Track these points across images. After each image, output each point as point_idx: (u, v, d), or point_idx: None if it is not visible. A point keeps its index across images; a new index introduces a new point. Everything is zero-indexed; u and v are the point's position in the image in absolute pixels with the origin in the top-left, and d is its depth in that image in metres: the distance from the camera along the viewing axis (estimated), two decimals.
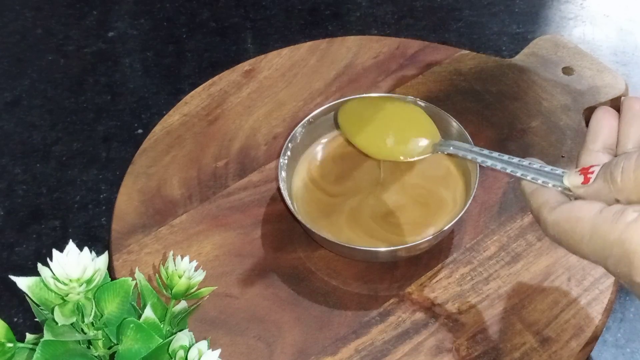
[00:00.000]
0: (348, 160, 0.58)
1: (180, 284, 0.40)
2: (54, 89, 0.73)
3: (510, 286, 0.52)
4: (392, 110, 0.56)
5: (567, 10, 0.78)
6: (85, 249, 0.36)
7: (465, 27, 0.77)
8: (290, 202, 0.53)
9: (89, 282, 0.35)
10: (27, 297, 0.36)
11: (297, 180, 0.57)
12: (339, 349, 0.50)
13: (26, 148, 0.68)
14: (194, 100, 0.65)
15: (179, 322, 0.41)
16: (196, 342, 0.37)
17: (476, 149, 0.49)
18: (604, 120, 0.42)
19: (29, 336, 0.37)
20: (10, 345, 0.36)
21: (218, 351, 0.36)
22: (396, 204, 0.55)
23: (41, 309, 0.36)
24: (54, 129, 0.69)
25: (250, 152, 0.61)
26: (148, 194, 0.59)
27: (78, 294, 0.35)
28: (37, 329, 0.37)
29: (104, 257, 0.37)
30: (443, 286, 0.52)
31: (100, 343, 0.38)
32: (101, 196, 0.64)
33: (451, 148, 0.51)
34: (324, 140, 0.59)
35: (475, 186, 0.52)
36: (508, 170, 0.45)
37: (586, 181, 0.40)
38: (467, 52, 0.68)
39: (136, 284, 0.39)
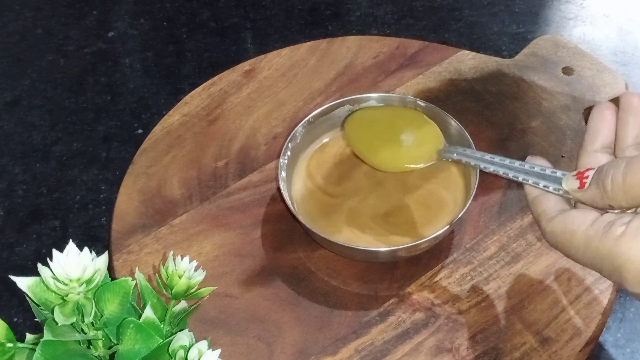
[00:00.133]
0: (348, 160, 0.58)
1: (180, 284, 0.40)
2: (54, 89, 0.73)
3: (510, 286, 0.52)
4: (396, 121, 0.56)
5: (567, 10, 0.78)
6: (85, 249, 0.36)
7: (465, 27, 0.76)
8: (290, 202, 0.53)
9: (89, 282, 0.35)
10: (27, 297, 0.36)
11: (297, 180, 0.57)
12: (339, 349, 0.50)
13: (26, 148, 0.68)
14: (194, 100, 0.65)
15: (179, 322, 0.41)
16: (196, 342, 0.37)
17: (478, 154, 0.50)
18: (601, 122, 0.42)
19: (29, 336, 0.37)
20: (10, 345, 0.36)
21: (218, 351, 0.36)
22: (396, 204, 0.55)
23: (41, 309, 0.36)
24: (54, 129, 0.69)
25: (250, 152, 0.61)
26: (148, 194, 0.59)
27: (78, 294, 0.35)
28: (37, 329, 0.37)
29: (104, 257, 0.37)
30: (443, 286, 0.52)
31: (100, 343, 0.38)
32: (101, 196, 0.64)
33: (455, 155, 0.52)
34: (324, 140, 0.59)
35: (475, 186, 0.52)
36: (510, 176, 0.45)
37: (582, 186, 0.41)
38: (467, 52, 0.68)
39: (136, 284, 0.39)
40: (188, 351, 0.36)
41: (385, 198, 0.56)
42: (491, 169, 0.48)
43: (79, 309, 0.36)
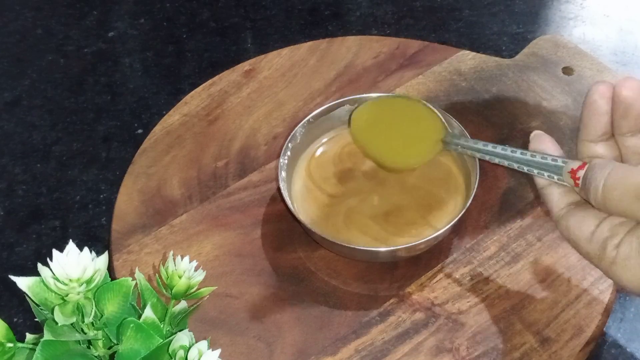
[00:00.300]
0: (348, 160, 0.58)
1: (180, 284, 0.40)
2: (54, 89, 0.73)
3: (510, 286, 0.52)
4: (398, 116, 0.56)
5: (567, 10, 0.78)
6: (85, 249, 0.36)
7: (465, 27, 0.76)
8: (290, 202, 0.53)
9: (89, 282, 0.35)
10: (27, 297, 0.36)
11: (297, 180, 0.57)
12: (339, 349, 0.50)
13: (26, 148, 0.68)
14: (194, 100, 0.65)
15: (179, 322, 0.41)
16: (196, 342, 0.37)
17: (480, 144, 0.49)
18: (593, 114, 0.41)
19: (29, 336, 0.37)
20: (10, 345, 0.36)
21: (218, 351, 0.36)
22: (396, 204, 0.55)
23: (41, 309, 0.36)
24: (54, 129, 0.69)
25: (250, 152, 0.61)
26: (148, 194, 0.59)
27: (78, 294, 0.35)
28: (37, 329, 0.37)
29: (104, 257, 0.37)
30: (443, 286, 0.52)
31: (100, 343, 0.38)
32: (101, 196, 0.64)
33: (459, 148, 0.51)
34: (324, 140, 0.59)
35: (475, 186, 0.52)
36: (515, 167, 0.45)
37: (576, 185, 0.41)
38: (467, 52, 0.68)
39: (136, 284, 0.39)
40: (188, 351, 0.36)
41: (386, 198, 0.56)
42: (496, 160, 0.47)
43: (79, 309, 0.36)
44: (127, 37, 0.78)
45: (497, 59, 0.67)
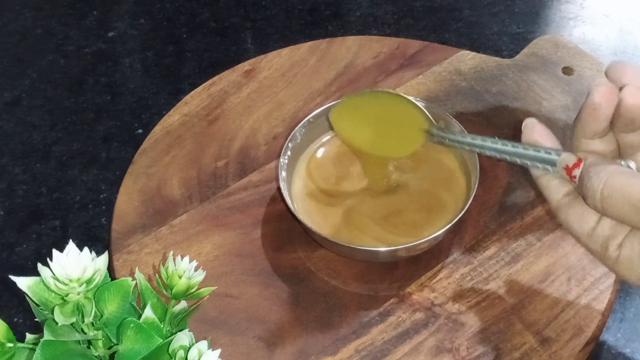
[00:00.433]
0: (348, 160, 0.58)
1: (180, 284, 0.40)
2: (54, 89, 0.73)
3: (510, 286, 0.52)
4: (379, 107, 0.56)
5: (567, 10, 0.78)
6: (85, 249, 0.36)
7: (465, 27, 0.76)
8: (290, 202, 0.53)
9: (89, 282, 0.35)
10: (27, 297, 0.36)
11: (297, 180, 0.57)
12: (339, 349, 0.50)
13: (26, 148, 0.68)
14: (194, 100, 0.65)
15: (179, 322, 0.41)
16: (196, 342, 0.37)
17: (469, 137, 0.48)
18: (593, 117, 0.40)
19: (29, 336, 0.37)
20: (10, 345, 0.36)
21: (218, 351, 0.36)
22: (396, 204, 0.55)
23: (41, 309, 0.36)
24: (54, 129, 0.69)
25: (250, 152, 0.61)
26: (148, 194, 0.59)
27: (78, 294, 0.35)
28: (37, 329, 0.37)
29: (104, 257, 0.37)
30: (443, 286, 0.52)
31: (100, 343, 0.38)
32: (101, 196, 0.64)
33: (447, 140, 0.51)
34: (324, 140, 0.59)
35: (475, 186, 0.52)
36: (507, 159, 0.44)
37: (572, 180, 0.40)
38: (467, 52, 0.68)
39: (136, 284, 0.39)
40: (188, 351, 0.36)
41: (386, 198, 0.56)
42: (487, 152, 0.46)
43: (79, 309, 0.36)
44: (127, 37, 0.78)
45: (497, 59, 0.67)
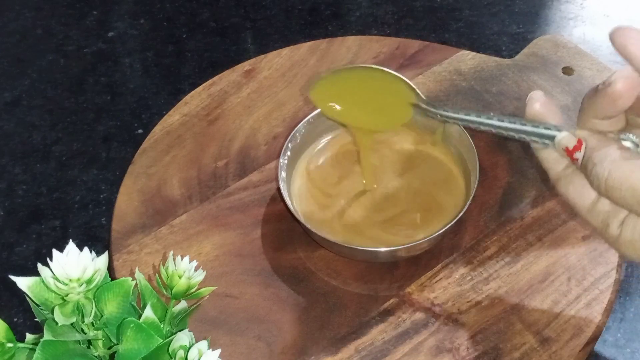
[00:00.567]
0: (348, 160, 0.58)
1: (180, 284, 0.40)
2: (54, 89, 0.73)
3: (510, 286, 0.52)
4: (363, 82, 0.54)
5: (567, 10, 0.78)
6: (85, 249, 0.36)
7: (465, 27, 0.76)
8: (290, 202, 0.53)
9: (89, 282, 0.35)
10: (27, 297, 0.36)
11: (297, 180, 0.57)
12: (339, 349, 0.50)
13: (26, 148, 0.68)
14: (194, 100, 0.65)
15: (179, 322, 0.41)
16: (196, 342, 0.37)
17: (462, 113, 0.47)
18: (612, 105, 0.39)
19: (29, 336, 0.37)
20: (10, 345, 0.36)
21: (218, 351, 0.36)
22: (396, 203, 0.55)
23: (41, 309, 0.36)
24: (54, 129, 0.69)
25: (250, 152, 0.61)
26: (148, 194, 0.59)
27: (78, 294, 0.35)
28: (37, 329, 0.37)
29: (104, 257, 0.37)
30: (443, 286, 0.52)
31: (100, 343, 0.38)
32: (101, 196, 0.64)
33: (438, 116, 0.50)
34: (324, 140, 0.59)
35: (475, 186, 0.52)
36: (504, 134, 0.43)
37: (573, 161, 0.40)
38: (467, 52, 0.68)
39: (136, 284, 0.39)
40: (188, 351, 0.36)
41: (386, 198, 0.56)
42: (482, 128, 0.45)
43: (79, 309, 0.36)
44: (127, 37, 0.78)
45: (497, 59, 0.67)
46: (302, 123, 0.57)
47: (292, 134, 0.56)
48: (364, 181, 0.56)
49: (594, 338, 0.50)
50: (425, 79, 0.66)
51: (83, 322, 0.36)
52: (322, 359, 0.49)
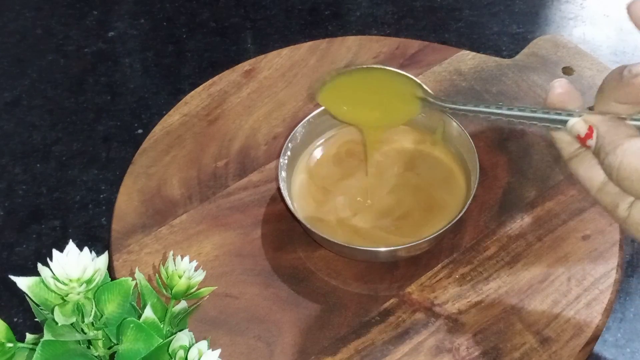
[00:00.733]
0: (348, 160, 0.58)
1: (180, 284, 0.40)
2: (54, 89, 0.73)
3: (510, 286, 0.52)
4: (369, 81, 0.55)
5: (567, 10, 0.78)
6: (85, 249, 0.36)
7: (465, 27, 0.76)
8: (290, 202, 0.53)
9: (89, 282, 0.35)
10: (27, 297, 0.36)
11: (297, 180, 0.57)
12: (339, 349, 0.50)
13: (26, 148, 0.68)
14: (194, 100, 0.65)
15: (179, 322, 0.41)
16: (196, 342, 0.37)
17: (471, 105, 0.47)
18: (633, 95, 0.39)
19: (29, 336, 0.37)
20: (10, 345, 0.36)
21: (218, 351, 0.36)
22: (396, 204, 0.55)
23: (41, 309, 0.36)
24: (54, 129, 0.69)
25: (250, 152, 0.61)
26: (148, 194, 0.59)
27: (78, 294, 0.35)
28: (37, 329, 0.37)
29: (104, 257, 0.37)
30: (443, 286, 0.52)
31: (100, 343, 0.38)
32: (101, 196, 0.64)
33: (447, 109, 0.50)
34: (323, 140, 0.59)
35: (475, 186, 0.52)
36: (516, 122, 0.43)
37: (586, 147, 0.40)
38: (467, 52, 0.68)
39: (136, 284, 0.39)
40: (188, 351, 0.36)
41: (386, 198, 0.56)
42: (493, 117, 0.45)
43: (79, 309, 0.36)
44: (127, 37, 0.78)
45: (497, 59, 0.67)
46: (302, 123, 0.57)
47: (292, 134, 0.56)
48: (367, 180, 0.56)
49: (594, 338, 0.50)
50: (425, 79, 0.66)
51: (83, 322, 0.36)
52: (322, 359, 0.49)
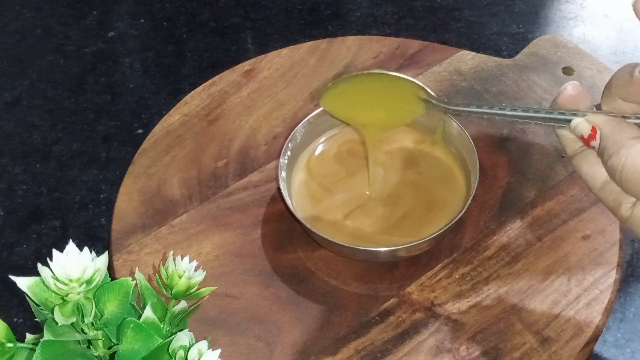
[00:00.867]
0: (348, 160, 0.58)
1: (180, 284, 0.40)
2: (54, 89, 0.73)
3: (510, 286, 0.52)
4: (371, 85, 0.55)
5: (567, 10, 0.78)
6: (85, 249, 0.36)
7: (465, 27, 0.77)
8: (290, 202, 0.53)
9: (89, 282, 0.35)
10: (27, 297, 0.36)
11: (297, 180, 0.57)
12: (339, 349, 0.50)
13: (26, 148, 0.68)
14: (194, 100, 0.65)
15: (179, 322, 0.41)
16: (196, 342, 0.37)
17: (474, 106, 0.47)
18: (624, 83, 0.39)
19: (29, 336, 0.37)
20: (10, 345, 0.36)
21: (218, 351, 0.36)
22: (396, 204, 0.55)
23: (41, 309, 0.36)
24: (54, 129, 0.69)
25: (250, 152, 0.61)
26: (148, 194, 0.59)
27: (78, 294, 0.35)
28: (37, 329, 0.37)
29: (104, 257, 0.37)
30: (443, 286, 0.52)
31: (100, 343, 0.38)
32: (101, 196, 0.64)
33: (450, 110, 0.50)
34: (323, 140, 0.59)
35: (475, 186, 0.52)
36: (520, 122, 0.44)
37: (591, 148, 0.40)
38: (467, 52, 0.68)
39: (136, 284, 0.39)
40: (188, 351, 0.36)
41: (386, 198, 0.56)
42: (497, 118, 0.46)
43: (79, 309, 0.36)
44: (127, 37, 0.78)
45: (497, 59, 0.67)
46: (302, 123, 0.57)
47: (292, 134, 0.56)
48: (369, 184, 0.56)
49: (594, 338, 0.50)
50: (425, 79, 0.66)
51: (83, 322, 0.36)
52: (322, 359, 0.49)
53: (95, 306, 0.36)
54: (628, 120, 0.39)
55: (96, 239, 0.61)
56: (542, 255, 0.54)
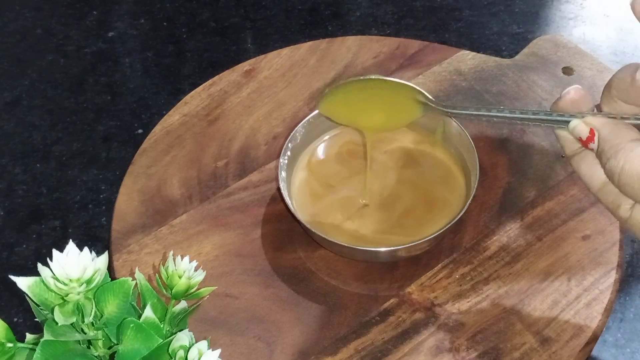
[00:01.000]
0: (349, 160, 0.58)
1: (180, 284, 0.40)
2: (54, 89, 0.73)
3: (510, 286, 0.52)
4: (368, 88, 0.55)
5: (567, 10, 0.78)
6: (85, 249, 0.36)
7: (465, 27, 0.77)
8: (290, 202, 0.53)
9: (89, 282, 0.35)
10: (27, 297, 0.36)
11: (297, 180, 0.57)
12: (339, 349, 0.50)
13: (26, 148, 0.68)
14: (194, 100, 0.65)
15: (179, 322, 0.41)
16: (196, 342, 0.37)
17: (472, 109, 0.47)
18: (625, 85, 0.39)
19: (29, 336, 0.37)
20: (10, 345, 0.36)
21: (218, 351, 0.36)
22: (396, 204, 0.55)
23: (41, 309, 0.36)
24: (54, 129, 0.69)
25: (250, 152, 0.61)
26: (148, 194, 0.59)
27: (78, 294, 0.35)
28: (37, 329, 0.37)
29: (104, 257, 0.37)
30: (443, 286, 0.52)
31: (100, 343, 0.38)
32: (101, 196, 0.64)
33: (448, 114, 0.50)
34: (323, 140, 0.59)
35: (475, 186, 0.52)
36: (519, 123, 0.44)
37: (590, 150, 0.40)
38: (467, 52, 0.68)
39: (136, 284, 0.39)
40: (188, 351, 0.36)
41: (386, 198, 0.56)
42: (495, 120, 0.46)
43: (79, 309, 0.36)
44: (127, 37, 0.78)
45: (497, 59, 0.67)
46: (302, 123, 0.57)
47: (292, 134, 0.56)
48: (364, 191, 0.56)
49: (594, 338, 0.50)
50: (425, 79, 0.66)
51: (83, 322, 0.36)
52: (322, 359, 0.49)
53: (95, 306, 0.36)
54: (627, 121, 0.39)
55: (96, 239, 0.61)
56: (542, 255, 0.54)
